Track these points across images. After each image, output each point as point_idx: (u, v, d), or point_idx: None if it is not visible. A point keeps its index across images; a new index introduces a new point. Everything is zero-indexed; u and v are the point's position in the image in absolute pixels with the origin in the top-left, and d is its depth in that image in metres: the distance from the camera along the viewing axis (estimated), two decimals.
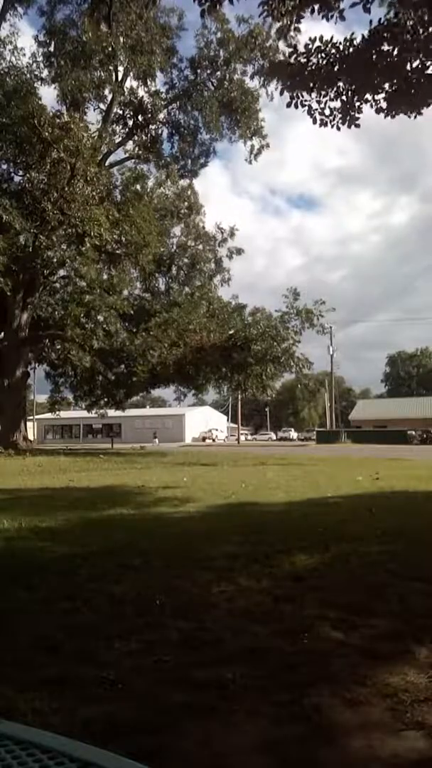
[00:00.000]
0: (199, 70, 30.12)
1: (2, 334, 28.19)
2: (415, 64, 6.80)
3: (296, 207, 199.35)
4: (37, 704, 2.53)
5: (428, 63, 6.81)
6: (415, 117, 7.13)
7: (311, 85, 6.97)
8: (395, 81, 6.83)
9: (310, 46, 6.89)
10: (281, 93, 7.27)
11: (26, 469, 17.20)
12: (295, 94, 7.09)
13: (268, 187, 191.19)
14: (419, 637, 3.29)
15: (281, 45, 7.57)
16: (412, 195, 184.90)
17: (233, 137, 31.00)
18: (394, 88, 6.88)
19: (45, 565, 5.05)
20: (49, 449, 32.05)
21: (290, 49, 7.14)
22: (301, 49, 7.01)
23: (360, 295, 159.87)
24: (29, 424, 36.31)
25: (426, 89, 6.84)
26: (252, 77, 29.01)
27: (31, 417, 48.68)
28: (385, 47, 6.75)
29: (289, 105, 7.12)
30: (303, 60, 6.93)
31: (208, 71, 30.02)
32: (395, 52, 6.72)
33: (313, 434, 60.94)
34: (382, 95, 6.97)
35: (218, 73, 29.79)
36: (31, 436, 36.28)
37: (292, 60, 7.03)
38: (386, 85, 6.90)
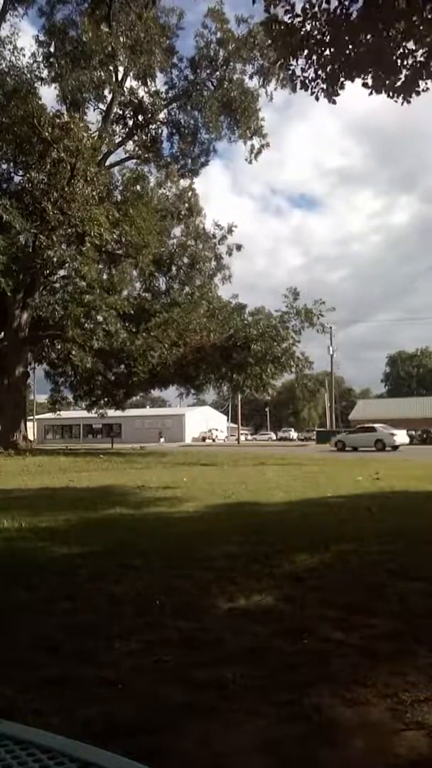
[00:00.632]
0: (198, 70, 30.14)
1: (2, 333, 28.19)
2: (405, 48, 6.79)
3: (297, 207, 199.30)
4: (37, 704, 2.53)
5: (418, 48, 6.79)
6: (402, 103, 7.10)
7: (299, 49, 6.97)
8: (383, 62, 6.82)
9: (307, 11, 6.87)
10: (268, 49, 7.32)
11: (26, 469, 17.21)
12: (281, 55, 7.10)
13: (269, 187, 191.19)
14: (419, 637, 3.29)
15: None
16: (413, 195, 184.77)
17: (233, 137, 31.04)
18: (381, 71, 6.87)
19: (45, 565, 5.05)
20: (49, 449, 32.07)
21: (287, 7, 7.08)
22: (297, 12, 7.00)
23: (360, 295, 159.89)
24: (29, 424, 36.31)
25: (413, 75, 6.83)
26: (251, 77, 29.07)
27: (31, 417, 48.70)
28: (378, 26, 6.74)
29: (274, 63, 7.19)
30: (297, 22, 6.90)
31: (208, 71, 30.03)
32: (387, 33, 6.71)
33: (313, 434, 60.91)
34: (369, 74, 6.96)
35: (218, 73, 29.81)
36: (31, 436, 36.27)
37: (286, 19, 7.00)
38: (373, 65, 6.89)
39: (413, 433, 47.90)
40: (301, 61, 7.07)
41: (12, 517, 7.44)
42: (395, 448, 31.96)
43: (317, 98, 7.21)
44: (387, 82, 6.92)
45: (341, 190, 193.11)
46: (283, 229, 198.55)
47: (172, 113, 31.60)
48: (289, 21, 6.95)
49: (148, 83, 30.19)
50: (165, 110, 31.06)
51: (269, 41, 7.33)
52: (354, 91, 7.63)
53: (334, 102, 7.23)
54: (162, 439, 56.23)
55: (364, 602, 3.93)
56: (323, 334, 26.60)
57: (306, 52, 6.94)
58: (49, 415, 41.27)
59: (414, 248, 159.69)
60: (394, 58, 6.80)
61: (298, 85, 7.20)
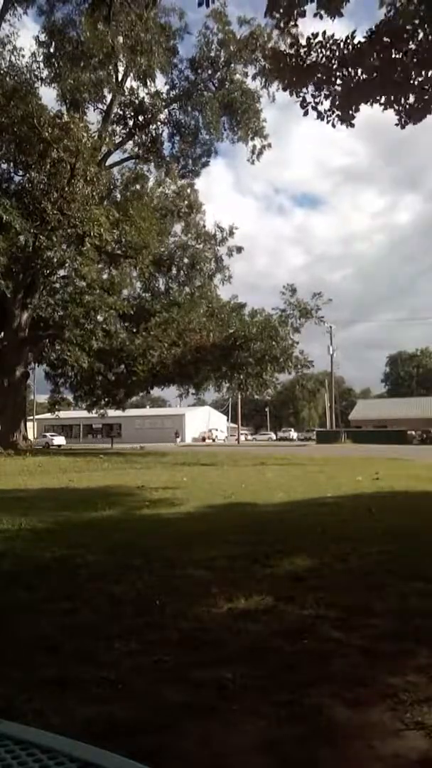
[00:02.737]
0: (199, 71, 30.11)
1: (2, 334, 28.20)
2: (416, 72, 6.75)
3: (299, 205, 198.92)
4: (37, 704, 2.53)
5: (427, 70, 6.76)
6: (404, 125, 7.06)
7: (309, 79, 6.95)
8: (394, 86, 6.79)
9: (312, 41, 6.86)
10: (280, 88, 7.24)
11: (26, 469, 17.21)
12: (292, 84, 7.06)
13: (272, 186, 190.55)
14: (419, 637, 3.29)
15: (282, 43, 7.45)
16: (417, 194, 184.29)
17: (234, 138, 31.03)
18: (392, 95, 6.84)
19: (45, 565, 5.05)
20: (48, 449, 32.06)
21: (291, 41, 7.06)
22: (302, 42, 6.96)
23: (362, 294, 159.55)
24: (29, 424, 36.31)
25: (425, 98, 6.79)
26: (253, 78, 29.05)
27: (31, 417, 48.86)
28: (385, 50, 6.71)
29: (285, 89, 7.12)
30: (303, 53, 6.89)
31: (209, 72, 30.00)
32: (395, 56, 6.69)
33: (313, 434, 60.97)
34: (380, 98, 6.93)
35: (219, 74, 29.78)
36: (30, 436, 36.26)
37: (292, 51, 6.99)
38: (385, 90, 6.85)
39: (413, 432, 48.05)
40: (311, 89, 7.04)
41: (12, 517, 7.44)
42: (59, 446, 46.18)
43: (333, 125, 7.16)
44: (397, 105, 6.88)
45: (345, 189, 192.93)
46: (285, 229, 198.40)
47: (173, 114, 31.61)
48: (295, 53, 6.93)
49: (149, 84, 30.19)
50: (165, 110, 31.07)
51: (276, 74, 7.26)
52: None
53: (352, 126, 7.17)
54: (179, 439, 55.96)
55: (364, 602, 3.93)
56: (320, 326, 26.51)
57: (315, 81, 6.92)
58: (49, 415, 41.31)
59: (416, 248, 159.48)
60: (406, 80, 6.76)
61: (314, 116, 7.14)
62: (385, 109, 6.94)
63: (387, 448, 33.09)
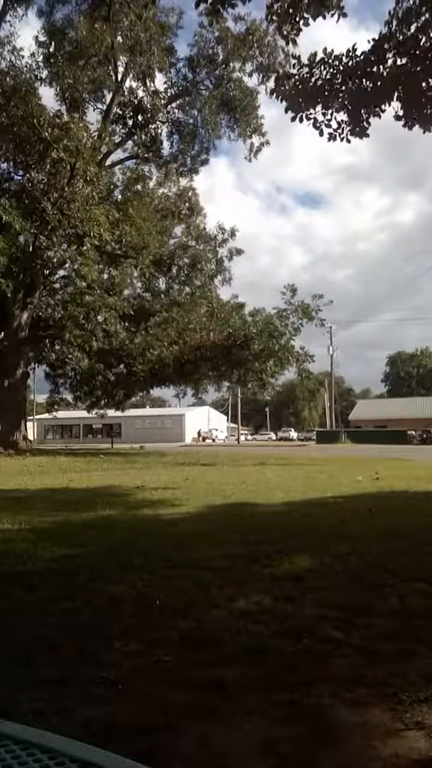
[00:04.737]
0: (197, 69, 30.10)
1: (2, 334, 28.18)
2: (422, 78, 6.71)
3: (302, 204, 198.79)
4: (37, 704, 2.53)
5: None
6: (411, 127, 7.02)
7: (316, 99, 6.91)
8: (402, 95, 6.75)
9: (313, 59, 6.83)
10: (286, 111, 7.13)
11: (26, 469, 17.20)
12: (299, 107, 7.00)
13: (274, 185, 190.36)
14: (419, 637, 3.29)
15: (281, 43, 7.39)
16: (419, 194, 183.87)
17: (232, 135, 31.05)
18: (402, 102, 6.80)
19: (45, 565, 5.05)
20: (49, 449, 32.06)
21: (294, 61, 7.07)
22: (304, 61, 6.92)
23: (364, 294, 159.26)
24: (29, 424, 36.28)
25: None
26: (250, 75, 29.03)
27: (31, 417, 48.78)
28: (390, 59, 6.68)
29: (293, 119, 7.02)
30: (306, 73, 6.86)
31: (207, 70, 30.01)
32: (399, 63, 6.66)
33: (313, 434, 61.00)
34: (391, 107, 6.89)
35: (217, 71, 29.78)
36: (31, 436, 36.24)
37: (295, 71, 6.97)
38: (394, 98, 6.80)
39: (413, 432, 48.04)
40: (320, 107, 7.00)
41: (12, 517, 7.44)
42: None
43: (348, 141, 7.11)
44: (413, 112, 6.85)
45: (347, 188, 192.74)
46: (287, 228, 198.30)
47: (172, 112, 31.61)
48: (298, 72, 6.90)
49: (148, 83, 30.20)
50: (164, 109, 31.05)
51: (281, 97, 7.19)
52: None
53: (366, 136, 7.13)
54: (200, 438, 55.85)
55: (364, 602, 3.93)
56: (322, 328, 26.53)
57: (322, 99, 6.88)
58: (47, 415, 41.32)
59: (419, 248, 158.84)
60: (413, 87, 6.71)
61: (326, 136, 7.08)
62: (399, 119, 6.90)
63: (387, 448, 33.11)
